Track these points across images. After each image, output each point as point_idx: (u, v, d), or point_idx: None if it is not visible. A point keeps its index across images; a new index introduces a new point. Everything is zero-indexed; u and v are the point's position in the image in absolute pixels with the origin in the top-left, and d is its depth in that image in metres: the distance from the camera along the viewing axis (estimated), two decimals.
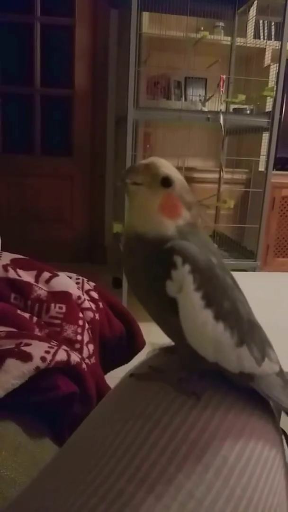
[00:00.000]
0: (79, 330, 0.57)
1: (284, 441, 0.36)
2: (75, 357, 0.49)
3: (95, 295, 0.66)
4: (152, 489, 0.26)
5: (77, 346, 0.55)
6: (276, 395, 0.35)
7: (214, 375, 0.35)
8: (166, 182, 0.33)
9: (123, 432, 0.30)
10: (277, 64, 1.86)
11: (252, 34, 2.31)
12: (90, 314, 0.61)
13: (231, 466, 0.28)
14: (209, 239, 0.35)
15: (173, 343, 0.42)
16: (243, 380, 0.34)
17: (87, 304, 0.62)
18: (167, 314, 0.32)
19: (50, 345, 0.47)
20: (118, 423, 0.32)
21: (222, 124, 1.88)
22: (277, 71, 1.86)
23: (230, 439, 0.30)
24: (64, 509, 0.25)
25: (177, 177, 0.34)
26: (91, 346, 0.58)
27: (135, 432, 0.30)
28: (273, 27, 2.37)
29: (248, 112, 2.12)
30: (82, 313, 0.60)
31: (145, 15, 2.16)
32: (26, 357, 0.43)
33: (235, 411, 0.33)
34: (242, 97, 1.96)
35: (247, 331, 0.34)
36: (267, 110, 2.04)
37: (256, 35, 2.35)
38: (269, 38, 2.37)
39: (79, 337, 0.56)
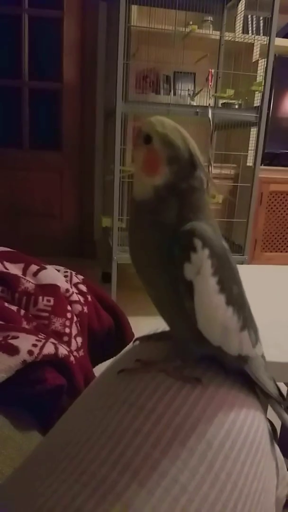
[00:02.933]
0: (67, 323, 0.57)
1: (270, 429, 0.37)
2: (63, 350, 0.48)
3: (83, 288, 0.66)
4: (136, 475, 0.26)
5: (65, 338, 0.55)
6: (262, 376, 0.36)
7: (207, 360, 0.35)
8: (147, 138, 0.31)
9: (107, 418, 0.30)
10: (266, 59, 1.87)
11: (241, 29, 2.31)
12: (78, 307, 0.61)
13: (215, 451, 0.29)
14: (207, 207, 0.33)
15: (156, 332, 0.42)
16: (238, 362, 0.35)
17: (75, 297, 0.62)
18: (178, 295, 0.31)
19: (37, 338, 0.47)
20: (102, 409, 0.32)
21: (210, 118, 1.88)
22: (265, 66, 1.87)
23: (215, 424, 0.30)
24: (46, 496, 0.25)
25: (162, 132, 0.31)
26: (79, 339, 0.58)
27: (119, 418, 0.30)
28: (261, 22, 2.37)
29: (236, 106, 2.12)
30: (70, 306, 0.60)
31: (134, 8, 2.15)
32: (13, 351, 0.43)
33: (221, 393, 0.33)
34: (230, 91, 1.97)
35: (248, 315, 0.35)
36: (255, 105, 2.05)
37: (245, 30, 2.35)
38: (258, 33, 2.37)
39: (67, 330, 0.56)
